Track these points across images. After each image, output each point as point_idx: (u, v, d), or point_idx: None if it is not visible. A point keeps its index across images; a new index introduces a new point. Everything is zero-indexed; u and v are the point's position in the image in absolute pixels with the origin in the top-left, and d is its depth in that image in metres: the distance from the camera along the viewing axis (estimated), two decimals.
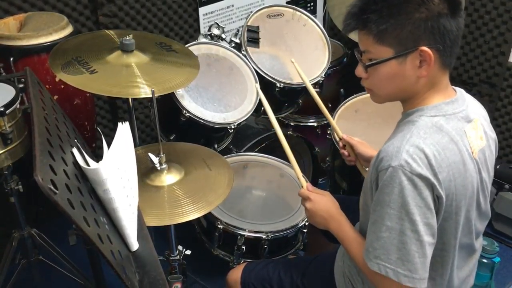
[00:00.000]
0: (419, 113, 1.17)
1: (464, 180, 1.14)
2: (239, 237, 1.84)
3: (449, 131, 1.13)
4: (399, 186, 1.07)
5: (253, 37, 2.20)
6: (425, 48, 1.10)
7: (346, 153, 1.67)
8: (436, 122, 1.14)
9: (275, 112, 2.36)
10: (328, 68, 2.30)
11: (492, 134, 1.28)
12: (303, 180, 1.47)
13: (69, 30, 1.92)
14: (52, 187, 0.77)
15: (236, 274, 1.59)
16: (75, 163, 1.00)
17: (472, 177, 1.16)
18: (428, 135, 1.11)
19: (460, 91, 1.24)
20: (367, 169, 1.57)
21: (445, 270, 1.23)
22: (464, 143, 1.15)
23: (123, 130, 1.10)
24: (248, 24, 2.21)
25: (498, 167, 2.45)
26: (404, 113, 1.22)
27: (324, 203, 1.37)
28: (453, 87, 1.23)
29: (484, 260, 2.08)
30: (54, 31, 1.85)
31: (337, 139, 1.71)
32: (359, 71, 1.22)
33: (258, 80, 2.09)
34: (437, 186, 1.08)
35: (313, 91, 1.74)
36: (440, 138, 1.12)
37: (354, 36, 1.22)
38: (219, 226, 1.84)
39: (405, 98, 1.21)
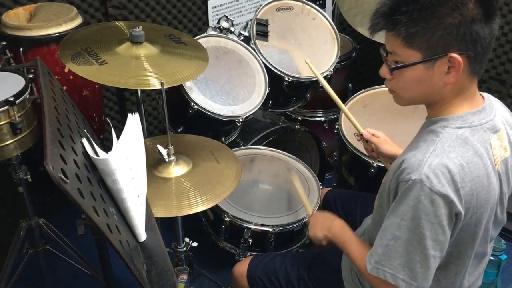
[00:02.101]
0: (444, 123, 1.12)
1: (487, 194, 1.11)
2: (245, 230, 1.84)
3: (474, 144, 1.10)
4: (415, 200, 1.05)
5: (262, 31, 2.19)
6: (455, 55, 1.04)
7: (369, 148, 1.65)
8: (461, 134, 1.10)
9: (283, 106, 2.37)
10: (337, 63, 2.29)
11: None
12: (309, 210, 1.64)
13: (78, 21, 1.92)
14: (62, 176, 0.77)
15: (242, 267, 1.60)
16: (85, 153, 1.00)
17: (495, 190, 1.14)
18: (452, 148, 1.08)
19: (488, 98, 1.19)
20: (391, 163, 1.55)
21: (457, 278, 1.22)
22: (489, 155, 1.11)
23: (133, 121, 1.10)
24: (257, 17, 2.21)
25: None
26: (428, 119, 1.18)
27: (323, 213, 1.51)
28: (481, 93, 1.19)
29: (491, 258, 2.07)
30: (63, 22, 1.85)
31: (358, 134, 1.70)
32: (384, 71, 1.17)
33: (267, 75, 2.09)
34: (456, 203, 1.05)
35: (332, 93, 1.75)
36: (465, 152, 1.08)
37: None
38: (226, 219, 1.85)
39: (429, 103, 1.17)
